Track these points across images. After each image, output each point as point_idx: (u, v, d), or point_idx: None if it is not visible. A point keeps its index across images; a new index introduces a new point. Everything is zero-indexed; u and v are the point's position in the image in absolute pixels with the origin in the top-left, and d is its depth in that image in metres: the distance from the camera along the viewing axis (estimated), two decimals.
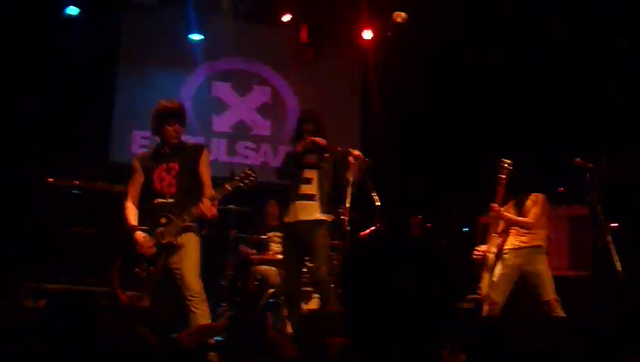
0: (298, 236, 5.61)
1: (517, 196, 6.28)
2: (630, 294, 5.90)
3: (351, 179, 5.49)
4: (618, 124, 8.07)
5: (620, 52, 8.02)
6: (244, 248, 7.89)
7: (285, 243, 5.84)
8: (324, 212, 5.55)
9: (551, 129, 8.49)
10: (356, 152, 5.61)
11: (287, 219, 5.69)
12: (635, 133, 7.93)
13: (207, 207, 4.91)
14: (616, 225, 6.72)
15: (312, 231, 5.53)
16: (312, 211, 5.57)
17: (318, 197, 5.59)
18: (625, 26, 7.90)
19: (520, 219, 6.14)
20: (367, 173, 5.58)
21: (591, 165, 5.61)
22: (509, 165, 6.10)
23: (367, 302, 1.74)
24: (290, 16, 9.24)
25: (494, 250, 6.16)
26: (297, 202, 5.61)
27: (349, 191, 5.46)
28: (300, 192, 5.62)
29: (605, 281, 6.39)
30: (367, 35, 9.41)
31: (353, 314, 1.76)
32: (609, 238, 5.42)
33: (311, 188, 5.62)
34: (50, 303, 3.10)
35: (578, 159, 5.66)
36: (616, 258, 5.30)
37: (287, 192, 5.71)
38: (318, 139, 5.63)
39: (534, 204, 6.20)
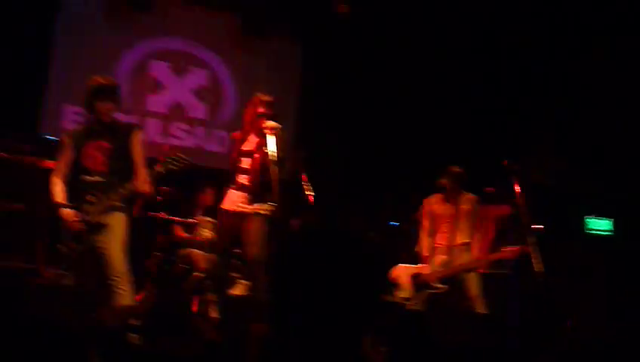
0: (232, 222, 5.58)
1: (450, 191, 6.44)
2: (548, 294, 6.09)
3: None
4: (546, 128, 8.31)
5: (549, 55, 8.25)
6: (178, 229, 7.83)
7: (220, 227, 5.81)
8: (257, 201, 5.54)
9: (481, 130, 8.68)
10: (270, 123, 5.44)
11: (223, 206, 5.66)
12: (561, 140, 8.19)
13: (144, 182, 4.86)
14: (540, 226, 6.93)
15: (247, 219, 5.51)
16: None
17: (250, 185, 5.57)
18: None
19: (477, 252, 6.33)
20: (302, 165, 5.59)
21: (518, 167, 5.75)
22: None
23: (293, 290, 1.76)
24: None
25: (440, 270, 6.32)
26: (235, 191, 5.59)
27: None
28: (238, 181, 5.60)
29: (526, 281, 6.59)
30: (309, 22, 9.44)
31: (279, 302, 1.78)
32: (532, 239, 5.57)
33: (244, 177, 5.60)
34: None
35: (506, 161, 5.79)
36: (537, 259, 5.44)
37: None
38: None
39: (475, 209, 6.40)
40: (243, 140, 5.65)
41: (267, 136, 5.24)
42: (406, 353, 3.33)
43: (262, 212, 5.48)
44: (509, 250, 6.08)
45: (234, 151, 5.70)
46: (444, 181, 6.49)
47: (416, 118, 9.11)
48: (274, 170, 5.09)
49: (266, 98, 5.61)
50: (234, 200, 5.56)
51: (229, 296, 6.19)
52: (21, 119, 8.07)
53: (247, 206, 5.50)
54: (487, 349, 3.77)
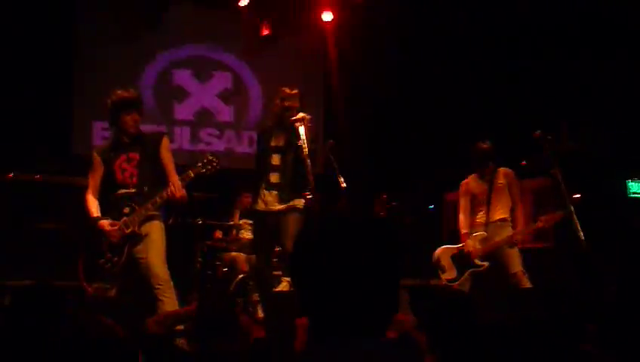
0: (269, 222, 5.54)
1: (481, 168, 6.37)
2: (593, 264, 5.99)
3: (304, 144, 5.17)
4: (577, 96, 8.17)
5: (580, 25, 8.10)
6: (218, 234, 7.89)
7: (257, 229, 5.80)
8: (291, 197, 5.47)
9: (511, 102, 8.56)
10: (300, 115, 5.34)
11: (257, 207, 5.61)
12: (593, 105, 8.04)
13: (177, 187, 4.88)
14: (578, 196, 6.82)
15: (283, 216, 5.46)
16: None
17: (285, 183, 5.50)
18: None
19: (522, 221, 6.26)
20: (331, 154, 5.53)
21: (550, 137, 5.66)
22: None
23: (323, 280, 1.74)
24: (248, 0, 9.16)
25: (480, 246, 6.29)
26: (267, 190, 5.53)
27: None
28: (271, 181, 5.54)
29: (568, 252, 6.50)
30: (327, 17, 9.41)
31: (309, 293, 1.76)
32: (571, 209, 5.48)
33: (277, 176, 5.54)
34: (16, 299, 3.07)
35: (538, 131, 5.70)
36: (578, 228, 5.36)
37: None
38: None
39: (512, 183, 6.33)
40: (270, 136, 5.59)
41: (298, 127, 5.16)
42: (451, 336, 3.28)
43: (298, 206, 5.45)
44: (545, 219, 6.02)
45: (261, 147, 5.65)
46: (473, 158, 6.41)
47: (447, 94, 9.02)
48: (307, 161, 5.03)
49: (292, 91, 5.51)
50: (268, 200, 5.51)
51: (273, 294, 6.20)
52: (53, 139, 8.18)
53: (281, 204, 5.48)
54: (533, 324, 3.70)
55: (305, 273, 1.76)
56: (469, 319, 3.37)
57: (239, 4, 9.17)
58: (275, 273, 6.72)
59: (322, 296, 1.71)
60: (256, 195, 5.60)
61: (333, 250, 1.74)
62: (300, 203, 5.43)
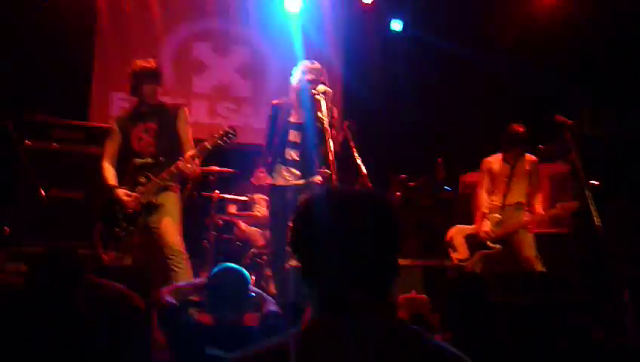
0: (285, 198, 5.48)
1: (508, 150, 6.33)
2: (610, 250, 5.95)
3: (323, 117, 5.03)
4: (598, 81, 8.08)
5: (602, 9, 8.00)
6: (232, 208, 7.88)
7: (274, 204, 5.70)
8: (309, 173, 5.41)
9: (532, 87, 8.48)
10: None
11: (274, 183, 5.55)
12: (615, 90, 7.94)
13: (188, 162, 4.87)
14: (597, 182, 6.76)
15: (302, 192, 5.39)
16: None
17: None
18: None
19: (541, 210, 6.23)
20: (350, 135, 5.48)
21: (571, 122, 5.59)
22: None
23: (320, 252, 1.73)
24: None
25: (494, 229, 6.27)
26: (285, 166, 5.48)
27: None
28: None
29: (585, 238, 6.45)
30: None
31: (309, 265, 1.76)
32: (589, 195, 5.44)
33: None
34: (35, 262, 3.09)
35: (559, 116, 5.64)
36: (596, 214, 5.31)
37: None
38: None
39: (534, 170, 6.31)
40: (288, 112, 5.51)
41: (319, 101, 5.04)
42: (463, 315, 3.28)
43: (316, 182, 5.39)
44: (562, 206, 5.98)
45: (278, 122, 5.53)
46: (504, 138, 6.35)
47: (469, 76, 8.95)
48: (328, 136, 4.90)
49: (313, 65, 5.40)
50: (285, 175, 5.48)
51: (287, 269, 6.20)
52: (70, 108, 8.18)
53: (299, 180, 5.46)
54: (546, 308, 3.69)
55: (303, 245, 1.75)
56: (481, 298, 3.37)
57: None
58: (289, 248, 6.73)
59: (320, 269, 1.71)
60: (271, 171, 5.55)
61: (328, 221, 1.72)
62: (318, 179, 5.37)
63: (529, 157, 6.37)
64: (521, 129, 6.27)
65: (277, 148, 5.51)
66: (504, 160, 6.37)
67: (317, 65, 5.40)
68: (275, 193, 5.59)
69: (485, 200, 6.39)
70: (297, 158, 5.44)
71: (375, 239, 1.71)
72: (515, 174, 6.30)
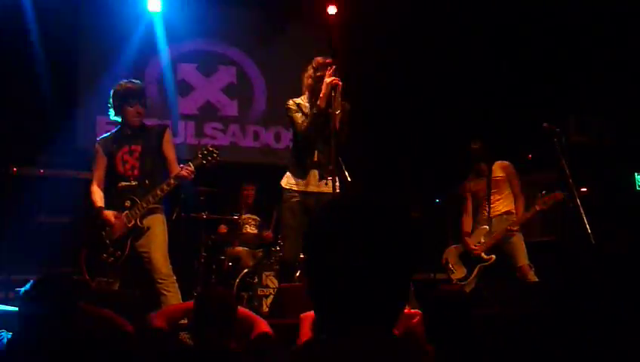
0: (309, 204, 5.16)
1: (477, 165, 6.40)
2: (600, 257, 5.94)
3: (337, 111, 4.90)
4: (585, 89, 8.10)
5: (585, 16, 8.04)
6: (222, 228, 7.85)
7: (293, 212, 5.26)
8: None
9: (518, 94, 8.49)
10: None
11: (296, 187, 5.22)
12: (601, 97, 7.97)
13: (181, 170, 4.84)
14: (585, 189, 6.77)
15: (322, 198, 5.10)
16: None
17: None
18: None
19: (522, 211, 6.26)
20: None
21: (558, 129, 5.60)
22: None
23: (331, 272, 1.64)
24: None
25: (484, 240, 6.32)
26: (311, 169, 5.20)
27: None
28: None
29: (575, 246, 6.44)
30: (332, 10, 9.33)
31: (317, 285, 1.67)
32: (578, 202, 5.43)
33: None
34: (32, 288, 3.04)
35: (546, 124, 5.64)
36: (585, 222, 5.30)
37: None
38: None
39: (510, 174, 6.31)
40: (303, 112, 5.22)
41: (333, 95, 4.91)
42: (448, 326, 3.28)
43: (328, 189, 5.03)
44: (542, 201, 6.03)
45: (299, 122, 5.19)
46: (467, 159, 6.49)
47: (454, 87, 8.95)
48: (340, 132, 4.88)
49: (326, 60, 5.20)
50: (307, 180, 5.16)
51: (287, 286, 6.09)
52: (58, 133, 8.15)
53: (320, 183, 5.15)
54: (540, 317, 3.67)
55: (314, 264, 1.66)
56: (464, 313, 3.36)
57: None
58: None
59: (329, 288, 1.62)
60: (294, 175, 5.21)
61: (343, 238, 1.62)
62: (327, 187, 5.06)
63: (501, 163, 6.48)
64: (476, 145, 6.42)
65: (306, 149, 5.23)
66: (477, 176, 6.48)
67: (329, 59, 5.21)
68: (294, 199, 5.20)
69: (467, 221, 6.54)
70: (319, 160, 5.18)
71: (386, 259, 1.58)
72: (492, 185, 6.35)
